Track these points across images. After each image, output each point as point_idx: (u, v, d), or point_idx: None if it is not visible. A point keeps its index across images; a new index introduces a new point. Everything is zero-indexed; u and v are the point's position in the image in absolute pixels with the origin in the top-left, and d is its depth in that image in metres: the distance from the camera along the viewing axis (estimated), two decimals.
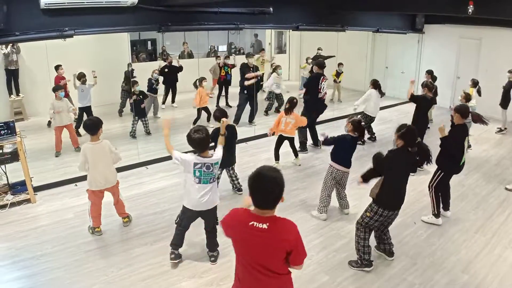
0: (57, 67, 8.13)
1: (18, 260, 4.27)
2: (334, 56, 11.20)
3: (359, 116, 7.95)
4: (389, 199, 3.97)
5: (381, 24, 10.39)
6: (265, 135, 8.59)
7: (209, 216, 4.15)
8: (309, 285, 3.95)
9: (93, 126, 4.47)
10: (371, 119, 8.13)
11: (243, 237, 2.30)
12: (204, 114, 8.98)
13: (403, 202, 4.08)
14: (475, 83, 8.30)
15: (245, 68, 9.23)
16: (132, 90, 8.15)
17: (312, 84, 7.64)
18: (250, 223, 2.25)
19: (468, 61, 10.96)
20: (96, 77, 8.03)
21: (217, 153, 4.06)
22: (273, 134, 6.92)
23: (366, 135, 7.50)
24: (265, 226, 2.24)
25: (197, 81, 8.79)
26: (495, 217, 5.28)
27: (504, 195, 5.91)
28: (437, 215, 5.08)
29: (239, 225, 2.31)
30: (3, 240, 4.65)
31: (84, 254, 4.39)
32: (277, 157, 6.94)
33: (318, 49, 11.90)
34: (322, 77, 7.56)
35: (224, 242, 4.60)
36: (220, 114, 5.25)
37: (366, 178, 4.22)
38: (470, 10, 6.91)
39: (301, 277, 4.04)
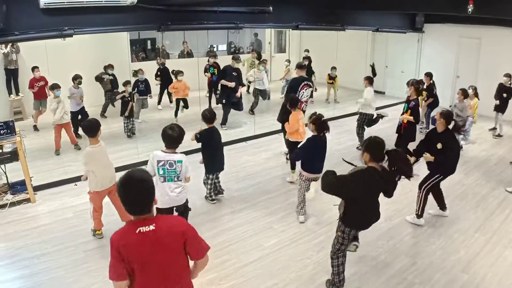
0: (33, 69, 8.01)
1: (17, 259, 4.27)
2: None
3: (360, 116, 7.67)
4: (356, 220, 3.61)
5: (381, 23, 10.39)
6: (265, 135, 8.62)
7: (179, 209, 4.28)
8: (309, 284, 3.95)
9: (92, 128, 4.39)
10: (371, 118, 7.61)
11: (135, 249, 2.12)
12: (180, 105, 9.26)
13: (375, 221, 3.70)
14: (475, 90, 7.92)
15: (227, 70, 8.90)
16: (124, 90, 8.08)
17: (293, 89, 6.67)
18: (137, 231, 2.11)
19: (468, 61, 10.96)
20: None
21: (182, 156, 4.05)
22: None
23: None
24: (152, 227, 2.13)
25: (174, 73, 9.00)
26: (495, 217, 5.28)
27: (504, 195, 5.91)
28: (420, 216, 5.04)
29: (126, 238, 2.12)
30: (3, 239, 4.65)
31: (83, 253, 4.39)
32: (293, 166, 6.27)
33: (305, 51, 11.72)
34: (303, 84, 6.65)
35: (224, 241, 4.62)
36: (210, 114, 5.27)
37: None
38: (470, 10, 6.91)
39: (301, 276, 4.05)
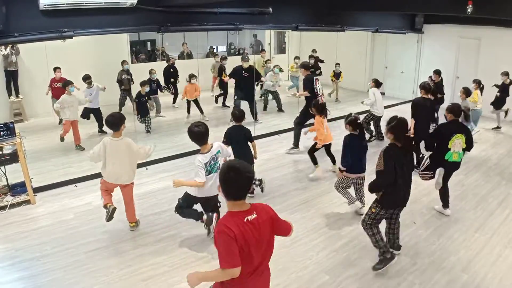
0: (55, 69, 8.09)
1: (17, 261, 4.27)
2: (323, 61, 11.58)
3: (365, 115, 7.97)
4: (390, 199, 3.94)
5: (381, 24, 10.39)
6: (265, 136, 8.62)
7: (211, 201, 4.40)
8: (310, 285, 3.95)
9: (115, 122, 4.48)
10: (378, 118, 8.05)
11: (248, 237, 2.27)
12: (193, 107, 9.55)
13: (406, 201, 4.05)
14: (478, 84, 8.14)
15: (238, 71, 9.38)
16: (140, 90, 8.39)
17: (309, 86, 7.40)
18: (245, 219, 2.29)
19: (468, 61, 10.97)
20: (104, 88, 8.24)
21: (217, 145, 4.24)
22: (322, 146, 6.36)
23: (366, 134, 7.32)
24: (254, 215, 2.33)
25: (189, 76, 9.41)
26: (495, 217, 5.28)
27: (504, 195, 5.92)
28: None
29: (239, 227, 2.26)
30: (3, 241, 4.65)
31: (84, 254, 4.39)
32: (315, 161, 6.46)
33: (312, 51, 11.93)
34: (315, 78, 7.40)
35: None
36: (239, 113, 5.53)
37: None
38: (469, 10, 6.91)
39: (301, 277, 4.05)
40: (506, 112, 9.04)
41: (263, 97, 10.63)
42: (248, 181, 2.32)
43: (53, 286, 3.90)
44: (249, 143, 5.53)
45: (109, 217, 4.57)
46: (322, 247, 4.57)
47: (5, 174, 5.57)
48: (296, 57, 12.01)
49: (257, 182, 5.78)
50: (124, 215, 4.93)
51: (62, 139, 7.48)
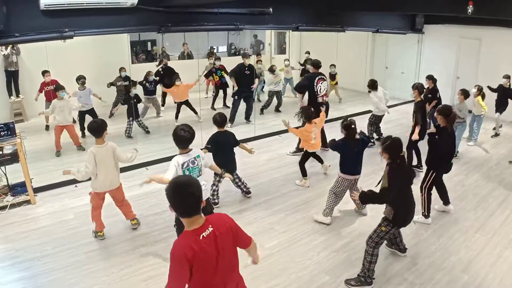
0: (43, 73, 8.00)
1: (18, 261, 4.28)
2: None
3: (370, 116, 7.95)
4: (402, 217, 3.88)
5: (381, 24, 10.39)
6: (265, 136, 8.63)
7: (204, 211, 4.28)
8: (310, 285, 3.95)
9: (98, 128, 4.43)
10: (381, 118, 8.00)
11: (203, 255, 2.20)
12: (186, 109, 9.36)
13: (414, 214, 4.03)
14: (480, 90, 7.92)
15: (241, 69, 9.26)
16: (129, 91, 8.27)
17: (308, 84, 7.16)
18: (200, 237, 2.20)
19: (468, 61, 10.97)
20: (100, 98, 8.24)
21: (197, 150, 4.09)
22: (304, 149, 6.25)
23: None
24: (210, 229, 2.25)
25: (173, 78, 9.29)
26: (495, 217, 5.27)
27: (504, 195, 5.91)
28: (427, 216, 5.10)
29: (193, 248, 2.18)
30: (3, 241, 4.65)
31: (84, 255, 4.39)
32: (304, 173, 6.26)
33: (306, 52, 11.96)
34: (318, 78, 7.13)
35: None
36: (221, 118, 5.39)
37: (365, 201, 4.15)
38: (469, 10, 6.91)
39: (301, 277, 4.05)
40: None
41: (268, 99, 10.55)
42: (193, 198, 2.21)
43: (54, 286, 3.90)
44: (237, 147, 5.48)
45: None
46: (322, 247, 4.57)
47: (5, 174, 5.58)
48: (286, 59, 12.05)
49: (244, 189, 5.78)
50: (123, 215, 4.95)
51: (57, 153, 7.35)
